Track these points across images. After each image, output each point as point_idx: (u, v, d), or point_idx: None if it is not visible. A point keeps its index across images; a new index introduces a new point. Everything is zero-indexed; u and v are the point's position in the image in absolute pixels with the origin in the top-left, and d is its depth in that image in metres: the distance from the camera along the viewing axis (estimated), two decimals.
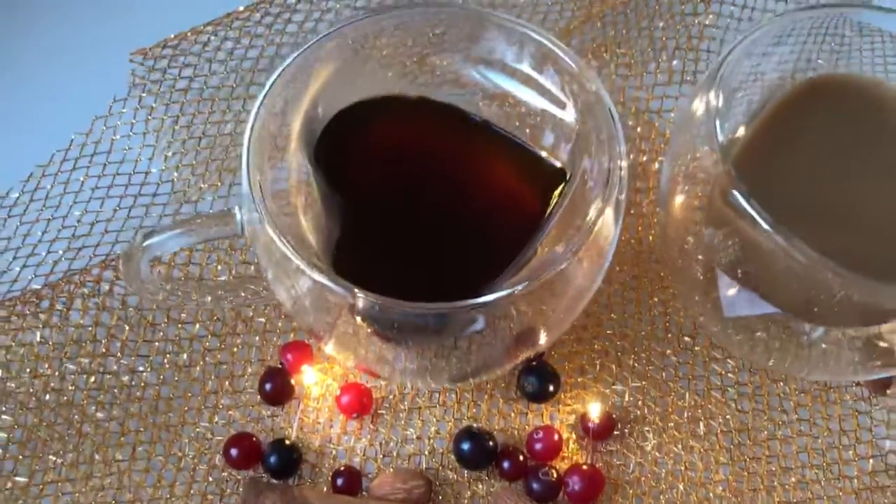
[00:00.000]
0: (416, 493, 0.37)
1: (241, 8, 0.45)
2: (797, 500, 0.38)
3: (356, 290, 0.28)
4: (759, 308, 0.34)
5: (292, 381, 0.39)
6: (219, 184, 0.42)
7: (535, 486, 0.37)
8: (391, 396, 0.39)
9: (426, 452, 0.38)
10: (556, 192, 0.34)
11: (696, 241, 0.34)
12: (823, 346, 0.37)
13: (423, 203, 0.34)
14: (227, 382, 0.39)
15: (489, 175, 0.34)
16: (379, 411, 0.39)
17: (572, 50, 0.34)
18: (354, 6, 0.45)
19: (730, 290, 0.34)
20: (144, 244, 0.32)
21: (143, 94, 0.42)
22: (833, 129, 0.36)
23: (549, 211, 0.33)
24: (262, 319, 0.40)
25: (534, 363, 0.39)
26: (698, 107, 0.34)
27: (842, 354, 0.37)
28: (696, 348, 0.41)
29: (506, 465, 0.37)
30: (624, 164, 0.31)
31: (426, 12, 0.32)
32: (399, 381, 0.38)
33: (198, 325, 0.39)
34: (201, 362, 0.39)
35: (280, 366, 0.39)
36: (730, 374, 0.40)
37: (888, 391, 0.40)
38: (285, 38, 0.45)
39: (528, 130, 0.35)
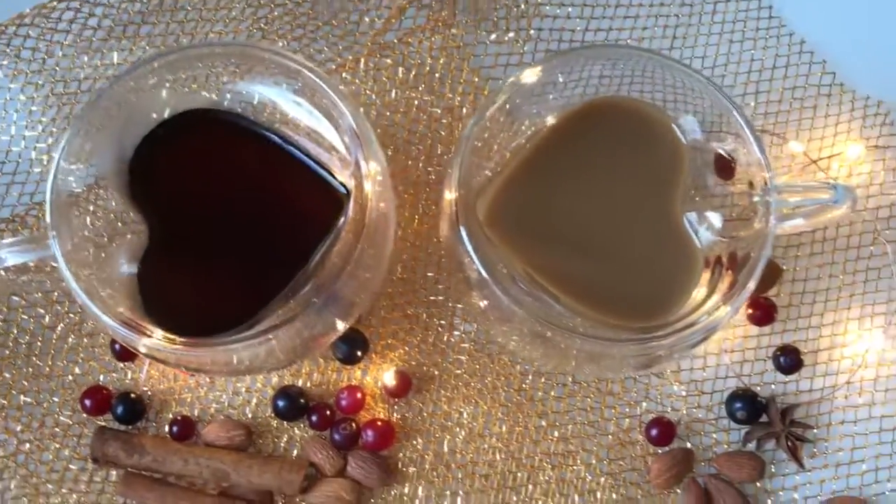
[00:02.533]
0: (238, 440, 0.44)
1: None
2: (559, 451, 0.45)
3: (144, 335, 0.34)
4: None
5: None
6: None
7: (336, 437, 0.44)
8: None
9: (252, 403, 0.46)
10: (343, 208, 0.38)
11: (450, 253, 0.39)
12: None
13: (222, 218, 0.39)
14: (85, 340, 0.46)
15: (284, 193, 0.39)
16: None
17: None
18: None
19: (483, 303, 0.39)
20: None
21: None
22: (600, 151, 0.40)
23: (337, 225, 0.38)
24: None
25: (348, 331, 0.46)
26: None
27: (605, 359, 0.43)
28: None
29: (314, 418, 0.45)
30: (379, 172, 0.36)
31: (199, 52, 0.36)
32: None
33: (56, 292, 0.46)
34: (61, 324, 0.46)
35: None
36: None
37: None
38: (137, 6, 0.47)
39: (320, 151, 0.39)
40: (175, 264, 0.38)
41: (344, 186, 0.38)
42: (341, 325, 0.41)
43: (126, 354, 0.45)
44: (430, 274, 0.47)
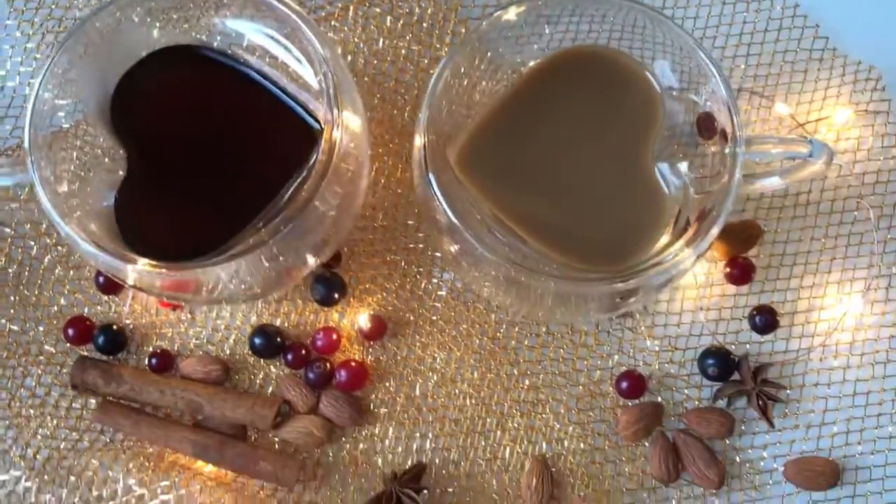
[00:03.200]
0: (214, 374, 0.45)
1: None
2: (528, 399, 0.46)
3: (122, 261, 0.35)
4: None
5: None
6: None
7: (310, 375, 0.45)
8: None
9: (230, 340, 0.47)
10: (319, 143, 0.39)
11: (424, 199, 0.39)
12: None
13: (200, 151, 0.40)
14: (71, 272, 0.47)
15: (262, 129, 0.40)
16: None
17: None
18: None
19: (454, 248, 0.40)
20: None
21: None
22: (575, 99, 0.40)
23: (309, 161, 0.39)
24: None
25: (326, 273, 0.46)
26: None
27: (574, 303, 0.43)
28: None
29: (290, 357, 0.46)
30: (352, 118, 0.37)
31: None
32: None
33: (45, 224, 0.47)
34: (47, 255, 0.47)
35: None
36: None
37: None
38: None
39: (298, 90, 0.40)
40: (152, 194, 0.39)
41: (319, 124, 0.39)
42: (312, 261, 0.42)
43: (110, 287, 0.46)
44: (410, 222, 0.47)
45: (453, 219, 0.36)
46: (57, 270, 0.47)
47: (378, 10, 0.48)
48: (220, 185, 0.39)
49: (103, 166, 0.40)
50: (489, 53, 0.41)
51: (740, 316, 0.47)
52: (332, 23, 0.49)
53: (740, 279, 0.46)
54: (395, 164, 0.48)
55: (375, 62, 0.49)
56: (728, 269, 0.46)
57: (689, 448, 0.44)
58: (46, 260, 0.47)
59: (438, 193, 0.36)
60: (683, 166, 0.41)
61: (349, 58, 0.49)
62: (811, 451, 0.46)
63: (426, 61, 0.48)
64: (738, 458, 0.45)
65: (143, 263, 0.36)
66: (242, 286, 0.39)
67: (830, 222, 0.48)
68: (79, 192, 0.39)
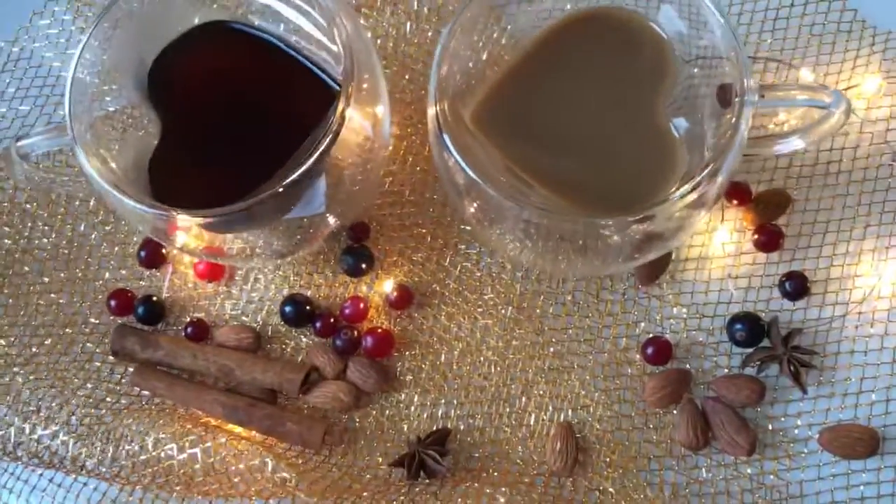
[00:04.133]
0: (247, 342, 0.47)
1: None
2: (554, 366, 0.46)
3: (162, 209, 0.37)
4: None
5: (164, 251, 0.49)
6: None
7: (338, 342, 0.46)
8: (244, 266, 0.49)
9: (264, 311, 0.48)
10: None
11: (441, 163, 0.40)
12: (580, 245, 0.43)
13: (228, 116, 0.42)
14: (116, 248, 0.49)
15: (284, 91, 0.42)
16: (234, 277, 0.49)
17: None
18: None
19: (473, 207, 0.40)
20: (17, 145, 0.42)
21: (56, 8, 0.51)
22: (588, 57, 0.41)
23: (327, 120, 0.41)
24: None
25: (355, 245, 0.48)
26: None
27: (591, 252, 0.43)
28: None
29: (318, 325, 0.47)
30: (369, 79, 0.38)
31: None
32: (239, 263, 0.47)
33: (92, 201, 0.49)
34: (94, 232, 0.49)
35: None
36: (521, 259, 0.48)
37: (656, 282, 0.46)
38: None
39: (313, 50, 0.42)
40: (183, 158, 0.41)
41: (339, 86, 0.41)
42: (332, 220, 0.43)
43: (152, 261, 0.48)
44: (435, 197, 0.49)
45: (469, 171, 0.37)
46: (103, 247, 0.49)
47: None
48: (247, 147, 0.41)
49: (138, 133, 0.42)
50: (498, 15, 0.42)
51: (771, 284, 0.46)
52: (363, 10, 0.51)
53: (768, 245, 0.46)
54: (422, 143, 0.50)
55: (403, 46, 0.51)
56: (756, 236, 0.46)
57: (719, 414, 0.43)
58: (93, 237, 0.49)
59: (453, 149, 0.37)
60: (707, 134, 0.42)
61: (378, 41, 0.51)
62: (848, 419, 0.44)
63: None
64: (770, 427, 0.44)
65: (176, 212, 0.38)
66: (268, 242, 0.41)
67: (864, 189, 0.47)
68: (118, 156, 0.41)
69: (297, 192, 0.38)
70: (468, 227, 0.48)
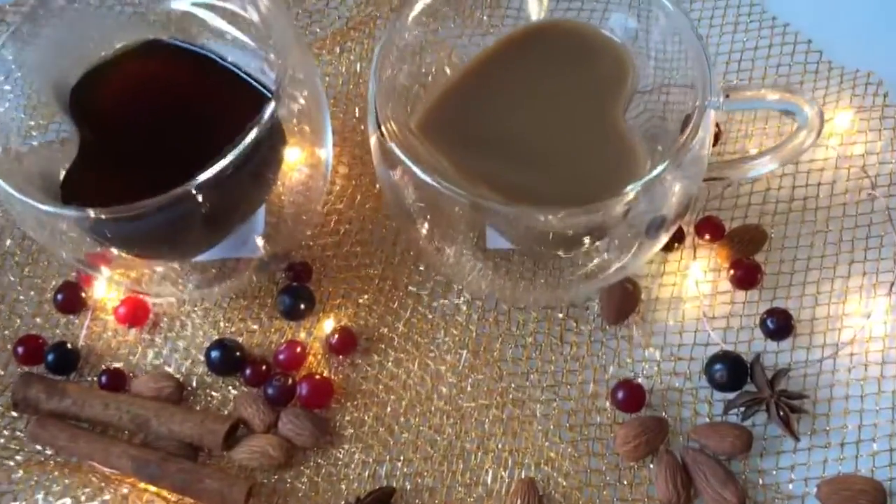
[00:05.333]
0: (167, 391, 0.41)
1: None
2: (514, 416, 0.40)
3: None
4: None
5: (83, 294, 0.44)
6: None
7: (269, 391, 0.41)
8: (170, 310, 0.44)
9: (189, 361, 0.43)
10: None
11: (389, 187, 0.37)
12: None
13: (156, 132, 0.39)
14: (31, 292, 0.45)
15: (218, 106, 0.39)
16: (159, 324, 0.44)
17: None
18: None
19: (425, 228, 0.37)
20: None
21: None
22: (543, 69, 0.39)
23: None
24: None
25: (293, 284, 0.43)
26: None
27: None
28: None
29: (248, 372, 0.41)
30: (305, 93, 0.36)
31: None
32: (157, 291, 0.43)
33: (9, 241, 0.45)
34: (10, 276, 0.45)
35: (74, 280, 0.45)
36: (476, 302, 0.43)
37: (624, 322, 0.42)
38: None
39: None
40: (102, 173, 0.38)
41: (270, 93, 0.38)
42: (259, 242, 0.40)
43: (69, 304, 0.44)
44: (384, 233, 0.45)
45: (416, 170, 0.33)
46: (18, 291, 0.45)
47: (355, 32, 0.49)
48: (172, 160, 0.38)
49: (52, 145, 0.39)
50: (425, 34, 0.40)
51: (751, 325, 0.42)
52: (314, 50, 0.49)
53: (746, 281, 0.42)
54: (372, 181, 0.46)
55: (352, 86, 0.49)
56: (732, 272, 0.42)
57: (701, 466, 0.38)
58: (6, 281, 0.45)
59: (400, 153, 0.34)
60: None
61: (327, 79, 0.48)
62: (848, 472, 0.39)
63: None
64: (760, 482, 0.38)
65: (82, 210, 0.34)
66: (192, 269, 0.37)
67: (845, 226, 0.44)
68: (28, 166, 0.38)
69: (204, 189, 0.34)
70: (421, 267, 0.44)
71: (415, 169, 0.34)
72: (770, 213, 0.44)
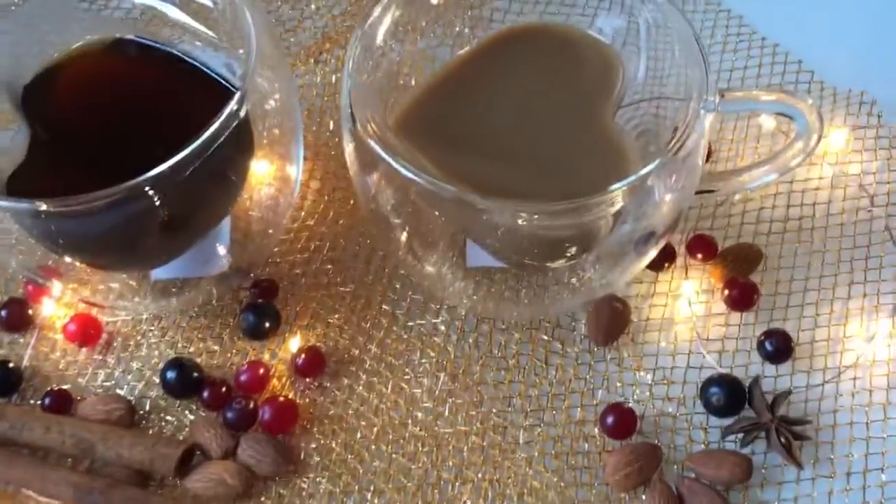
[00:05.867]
0: (117, 414, 0.38)
1: None
2: (495, 443, 0.37)
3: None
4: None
5: (30, 312, 0.41)
6: None
7: (229, 414, 0.37)
8: (125, 329, 0.41)
9: (143, 383, 0.39)
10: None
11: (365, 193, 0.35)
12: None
13: (114, 127, 0.36)
14: None
15: (176, 98, 0.37)
16: (112, 343, 0.41)
17: None
18: None
19: (404, 233, 0.34)
20: None
21: None
22: (529, 71, 0.37)
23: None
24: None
25: (258, 301, 0.41)
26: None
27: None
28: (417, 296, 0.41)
29: (206, 394, 0.38)
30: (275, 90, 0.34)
31: None
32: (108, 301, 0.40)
33: None
34: None
35: (21, 296, 0.41)
36: (456, 322, 0.40)
37: (613, 343, 0.39)
38: None
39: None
40: (53, 169, 0.35)
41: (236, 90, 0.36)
42: (223, 251, 0.37)
43: (14, 321, 0.40)
44: (357, 250, 0.42)
45: (398, 166, 0.31)
46: None
47: (330, 44, 0.47)
48: (130, 158, 0.35)
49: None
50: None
51: (748, 348, 0.39)
52: (287, 60, 0.47)
53: (741, 301, 0.39)
54: (346, 197, 0.44)
55: (326, 99, 0.46)
56: (727, 292, 0.40)
57: (698, 496, 0.35)
58: None
59: (379, 149, 0.31)
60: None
61: (301, 90, 0.46)
62: None
63: None
64: None
65: (26, 202, 0.31)
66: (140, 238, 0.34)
67: (843, 246, 0.42)
68: None
69: (159, 184, 0.31)
70: (397, 285, 0.41)
71: (395, 164, 0.31)
72: (764, 232, 0.42)
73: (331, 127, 0.46)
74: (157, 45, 0.38)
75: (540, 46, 0.37)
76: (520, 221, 0.31)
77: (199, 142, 0.32)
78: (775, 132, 0.44)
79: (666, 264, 0.41)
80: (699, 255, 0.41)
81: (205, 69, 0.37)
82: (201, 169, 0.33)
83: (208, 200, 0.37)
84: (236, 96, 0.33)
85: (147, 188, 0.31)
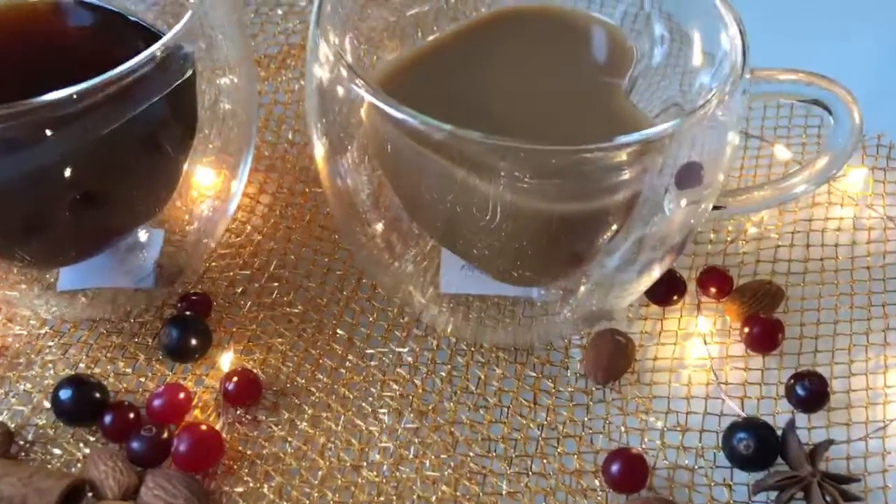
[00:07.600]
0: None
1: None
2: (468, 494, 0.30)
3: None
4: None
5: None
6: None
7: (134, 444, 0.29)
8: (17, 344, 0.33)
9: (30, 406, 0.31)
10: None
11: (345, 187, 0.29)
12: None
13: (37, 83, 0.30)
14: None
15: (111, 56, 0.31)
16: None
17: None
18: None
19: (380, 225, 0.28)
20: None
21: None
22: (518, 50, 0.32)
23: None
24: None
25: (186, 313, 0.33)
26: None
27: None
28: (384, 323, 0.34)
29: (108, 419, 0.30)
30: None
31: None
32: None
33: None
34: None
35: None
36: (425, 352, 0.34)
37: (614, 383, 0.33)
38: None
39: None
40: None
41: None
42: (144, 237, 0.31)
43: None
44: (311, 270, 0.35)
45: (385, 107, 0.25)
46: None
47: (295, 50, 0.42)
48: None
49: None
50: None
51: (773, 394, 0.33)
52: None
53: (764, 340, 0.33)
54: (300, 213, 0.38)
55: (286, 105, 0.41)
56: (747, 329, 0.34)
57: None
58: None
59: (365, 88, 0.25)
60: None
61: (260, 96, 0.41)
62: None
63: None
64: None
65: None
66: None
67: (872, 290, 0.36)
68: None
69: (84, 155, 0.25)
70: (355, 307, 0.34)
71: (383, 105, 0.25)
72: (783, 272, 0.37)
73: (290, 136, 0.40)
74: (103, 6, 0.33)
75: (544, 27, 0.32)
76: (519, 184, 0.25)
77: (110, 74, 0.26)
78: (790, 162, 0.40)
79: (675, 297, 0.35)
80: (712, 290, 0.35)
81: (146, 24, 0.32)
82: (125, 131, 0.27)
83: (133, 175, 0.30)
84: (176, 29, 0.27)
85: (46, 128, 0.25)
